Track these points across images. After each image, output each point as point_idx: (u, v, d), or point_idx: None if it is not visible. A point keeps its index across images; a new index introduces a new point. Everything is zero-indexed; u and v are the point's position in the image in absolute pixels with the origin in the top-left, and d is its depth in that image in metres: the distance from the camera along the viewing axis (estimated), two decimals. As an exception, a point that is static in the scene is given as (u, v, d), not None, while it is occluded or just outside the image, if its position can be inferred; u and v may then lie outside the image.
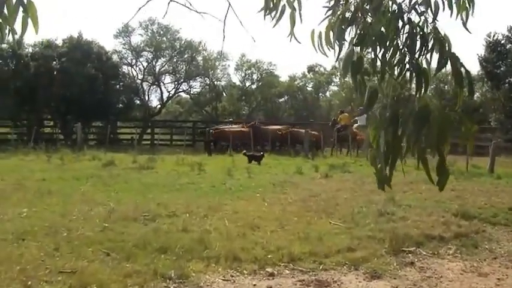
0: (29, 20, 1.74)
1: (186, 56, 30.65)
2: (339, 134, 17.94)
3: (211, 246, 5.07)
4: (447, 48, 1.90)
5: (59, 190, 8.58)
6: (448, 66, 1.95)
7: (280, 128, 19.30)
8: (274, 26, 2.14)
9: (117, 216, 6.32)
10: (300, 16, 2.13)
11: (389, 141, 1.87)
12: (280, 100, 34.22)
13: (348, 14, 1.98)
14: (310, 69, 35.60)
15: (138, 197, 8.01)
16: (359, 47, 1.94)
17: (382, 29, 1.91)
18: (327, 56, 2.04)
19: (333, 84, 35.23)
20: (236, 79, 34.35)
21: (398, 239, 5.49)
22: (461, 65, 1.88)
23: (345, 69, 1.95)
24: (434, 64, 1.95)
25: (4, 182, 9.47)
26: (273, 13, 2.16)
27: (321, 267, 4.71)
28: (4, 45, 21.41)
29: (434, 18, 1.93)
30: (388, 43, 1.91)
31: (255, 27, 2.88)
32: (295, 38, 2.19)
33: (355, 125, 17.94)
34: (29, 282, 3.96)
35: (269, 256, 4.90)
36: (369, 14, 1.93)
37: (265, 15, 2.16)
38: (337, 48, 2.01)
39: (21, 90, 20.85)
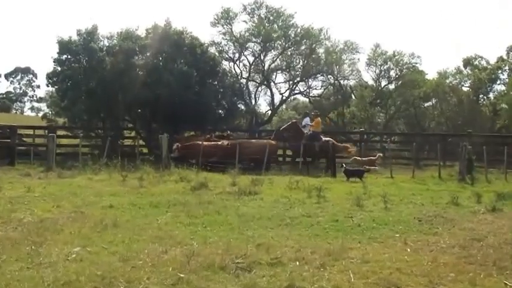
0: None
1: (303, 47, 30.66)
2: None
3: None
4: None
5: (129, 222, 8.66)
6: None
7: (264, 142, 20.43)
8: None
9: (200, 263, 6.14)
10: None
11: None
12: (426, 104, 33.09)
13: None
14: (467, 62, 33.61)
15: (232, 234, 7.99)
16: None
17: None
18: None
19: (498, 82, 32.34)
20: (368, 77, 33.51)
21: None
22: None
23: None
24: None
25: (59, 209, 9.75)
26: None
27: None
28: (74, 37, 23.02)
29: None
30: None
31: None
32: None
33: None
34: None
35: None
36: None
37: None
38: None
39: (94, 93, 22.12)
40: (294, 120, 22.69)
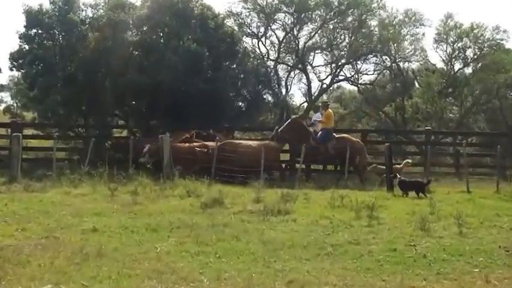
0: None
1: (349, 19, 30.61)
2: None
3: None
4: None
5: (118, 250, 8.63)
6: None
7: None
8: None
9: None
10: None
11: None
12: (517, 94, 32.39)
13: None
14: None
15: (254, 267, 8.02)
16: None
17: None
18: None
19: None
20: (436, 58, 33.40)
21: None
22: None
23: None
24: None
25: (25, 234, 9.73)
26: None
27: None
28: (47, 6, 23.13)
29: None
30: None
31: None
32: None
33: None
34: None
35: None
36: None
37: None
38: None
39: (74, 79, 22.27)
40: (294, 117, 22.60)
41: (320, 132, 20.47)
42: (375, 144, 25.50)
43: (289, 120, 21.53)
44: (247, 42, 28.92)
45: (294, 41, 30.81)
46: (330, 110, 21.34)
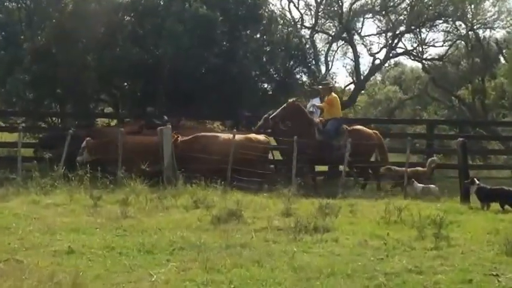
0: None
1: (411, -28, 30.36)
2: None
3: None
4: None
5: (100, 278, 8.57)
6: None
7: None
8: None
9: None
10: None
11: None
12: None
13: None
14: None
15: None
16: None
17: None
18: None
19: None
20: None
21: None
22: None
23: None
24: None
25: None
26: None
27: None
28: None
29: None
30: None
31: None
32: None
33: None
34: None
35: None
36: None
37: None
38: None
39: (46, 53, 22.36)
40: (292, 100, 21.76)
41: (329, 123, 20.35)
42: (446, 139, 25.41)
43: (285, 104, 21.01)
44: (275, 4, 29.09)
45: (336, 2, 30.74)
46: (333, 94, 21.37)
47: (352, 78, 32.96)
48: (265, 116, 20.43)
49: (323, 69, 30.78)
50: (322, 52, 31.25)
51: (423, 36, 32.26)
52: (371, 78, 33.19)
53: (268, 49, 25.19)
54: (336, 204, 14.13)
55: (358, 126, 21.07)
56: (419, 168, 19.35)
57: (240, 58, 23.02)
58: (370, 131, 20.83)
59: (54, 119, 24.63)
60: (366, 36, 32.20)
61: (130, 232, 11.56)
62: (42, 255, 9.72)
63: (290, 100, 21.63)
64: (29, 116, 23.73)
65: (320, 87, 21.77)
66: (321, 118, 20.55)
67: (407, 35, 31.80)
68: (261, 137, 19.83)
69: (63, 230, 11.46)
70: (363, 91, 33.33)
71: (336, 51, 32.21)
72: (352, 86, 32.68)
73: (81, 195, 14.80)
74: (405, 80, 39.02)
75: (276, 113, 20.29)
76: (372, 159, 21.02)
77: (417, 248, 10.87)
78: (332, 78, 32.14)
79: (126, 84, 24.35)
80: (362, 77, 32.04)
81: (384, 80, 39.36)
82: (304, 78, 28.26)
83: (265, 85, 25.37)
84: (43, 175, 16.66)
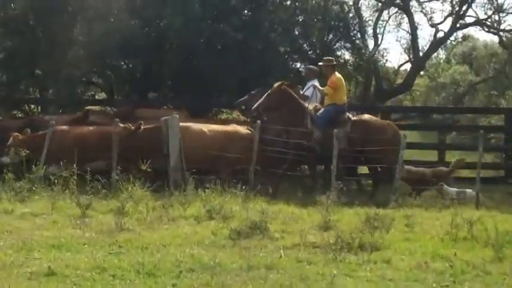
0: None
1: None
2: None
3: None
4: None
5: None
6: None
7: None
8: None
9: None
10: None
11: None
12: None
13: None
14: None
15: None
16: None
17: None
18: None
19: None
20: None
21: None
22: None
23: None
24: None
25: None
26: None
27: None
28: None
29: None
30: None
31: None
32: None
33: None
34: None
35: None
36: None
37: None
38: None
39: (22, 25, 22.64)
40: (278, 84, 20.94)
41: (324, 110, 20.14)
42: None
43: (269, 90, 20.63)
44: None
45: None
46: (336, 74, 20.75)
47: (408, 56, 32.95)
48: (252, 92, 20.78)
49: (370, 44, 30.69)
50: (370, 23, 31.19)
51: (500, 0, 32.10)
52: (432, 56, 33.08)
53: (300, 19, 25.27)
54: (387, 215, 14.08)
55: (367, 116, 21.12)
56: (444, 168, 19.51)
57: (265, 31, 23.20)
58: (383, 122, 20.86)
59: (32, 106, 24.78)
60: (426, 1, 32.09)
61: (127, 249, 11.52)
62: (15, 277, 9.72)
63: (276, 84, 20.95)
64: (1, 103, 23.72)
65: (321, 63, 21.16)
66: (316, 104, 20.34)
67: (478, 0, 31.72)
68: (243, 130, 19.99)
69: (42, 247, 11.44)
70: (422, 72, 33.23)
71: (387, 22, 32.13)
72: (408, 66, 32.63)
73: (65, 203, 14.83)
74: (477, 57, 38.91)
75: (259, 102, 20.16)
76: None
77: (493, 272, 10.72)
78: (382, 56, 31.93)
79: (122, 64, 24.33)
80: (421, 55, 31.91)
81: (449, 58, 39.20)
82: (347, 56, 28.50)
83: (297, 64, 25.40)
84: (18, 177, 16.68)
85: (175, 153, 17.99)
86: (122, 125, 19.08)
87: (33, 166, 17.03)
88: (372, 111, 24.66)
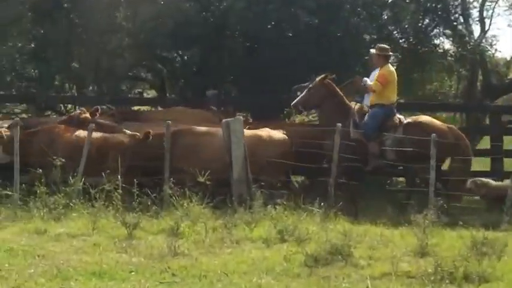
0: None
1: None
2: None
3: None
4: None
5: None
6: None
7: None
8: None
9: None
10: None
11: None
12: None
13: None
14: None
15: None
16: None
17: None
18: None
19: None
20: None
21: None
22: None
23: None
24: None
25: None
26: None
27: None
28: None
29: None
30: None
31: None
32: None
33: None
34: None
35: None
36: None
37: None
38: None
39: (51, 13, 22.83)
40: (321, 77, 20.76)
41: (370, 114, 20.04)
42: None
43: (311, 84, 20.69)
44: None
45: None
46: (390, 67, 20.93)
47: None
48: (295, 87, 20.84)
49: (476, 30, 30.44)
50: (475, 4, 30.94)
51: None
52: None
53: (389, 1, 25.18)
54: (498, 239, 13.90)
55: (425, 117, 20.72)
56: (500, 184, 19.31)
57: (346, 15, 23.22)
58: (443, 125, 20.40)
59: (69, 106, 24.91)
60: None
61: (182, 278, 11.53)
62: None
63: (318, 78, 20.88)
64: (31, 102, 23.91)
65: (373, 51, 20.89)
66: (364, 104, 20.26)
67: None
68: (281, 136, 19.86)
69: (80, 274, 11.46)
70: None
71: (496, 3, 31.84)
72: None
73: (108, 222, 14.91)
74: None
75: (299, 98, 20.41)
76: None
77: None
78: (490, 45, 31.58)
79: (175, 55, 24.43)
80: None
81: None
82: (447, 45, 28.43)
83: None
84: (51, 191, 16.76)
85: (239, 163, 17.96)
86: (128, 132, 19.23)
87: (70, 178, 17.05)
88: (479, 111, 24.60)
